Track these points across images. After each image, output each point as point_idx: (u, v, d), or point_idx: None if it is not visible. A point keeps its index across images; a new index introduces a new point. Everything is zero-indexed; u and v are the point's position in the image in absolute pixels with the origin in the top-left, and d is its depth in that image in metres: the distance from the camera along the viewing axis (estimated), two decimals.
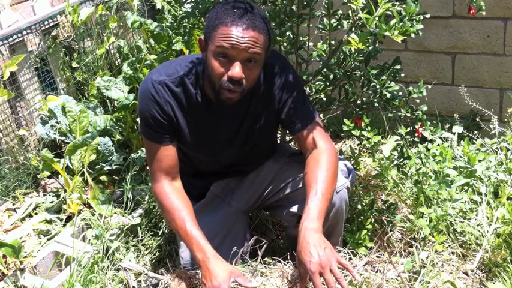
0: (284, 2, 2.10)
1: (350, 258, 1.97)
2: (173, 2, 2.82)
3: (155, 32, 3.04)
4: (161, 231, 2.44)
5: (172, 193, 1.84)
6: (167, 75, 1.83)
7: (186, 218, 1.78)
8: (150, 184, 2.52)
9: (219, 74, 1.68)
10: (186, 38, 2.49)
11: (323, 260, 1.56)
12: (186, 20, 2.30)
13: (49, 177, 2.91)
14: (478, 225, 2.11)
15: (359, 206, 2.27)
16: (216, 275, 1.63)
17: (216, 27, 1.66)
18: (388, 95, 2.05)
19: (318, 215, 1.66)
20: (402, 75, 2.13)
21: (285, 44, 2.23)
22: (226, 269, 1.65)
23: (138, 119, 2.83)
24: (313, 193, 1.70)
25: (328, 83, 2.22)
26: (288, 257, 1.89)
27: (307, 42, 2.29)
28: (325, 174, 1.75)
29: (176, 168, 1.89)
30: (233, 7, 1.67)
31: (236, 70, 1.65)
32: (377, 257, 2.08)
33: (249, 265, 1.85)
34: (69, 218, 2.63)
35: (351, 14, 1.97)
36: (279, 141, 2.30)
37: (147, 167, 2.76)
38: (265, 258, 1.98)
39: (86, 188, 2.75)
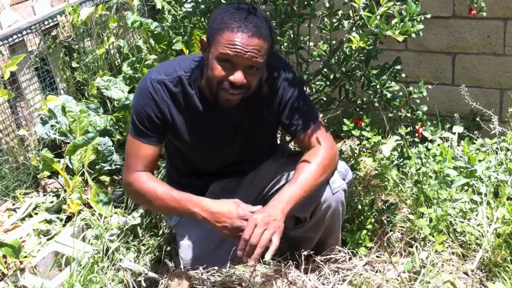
0: (285, 1, 2.10)
1: (350, 258, 1.97)
2: (173, 2, 2.82)
3: (155, 32, 3.04)
4: (161, 231, 2.44)
5: (148, 178, 1.85)
6: (166, 74, 1.84)
7: (169, 188, 1.80)
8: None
9: (220, 77, 1.70)
10: (186, 38, 2.49)
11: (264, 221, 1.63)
12: (187, 19, 2.30)
13: (49, 177, 2.90)
14: (478, 225, 2.11)
15: (359, 206, 2.27)
16: (228, 212, 1.68)
17: (221, 31, 1.66)
18: (389, 95, 2.05)
19: (288, 198, 1.70)
20: (403, 75, 2.13)
21: (285, 43, 2.23)
22: (229, 202, 1.72)
23: None
24: (293, 180, 1.75)
25: (328, 83, 2.22)
26: (288, 257, 1.89)
27: (307, 42, 2.29)
28: (313, 167, 1.77)
29: (154, 167, 1.92)
30: (238, 9, 1.67)
31: (238, 76, 1.68)
32: (377, 257, 2.08)
33: (248, 265, 1.85)
34: (69, 218, 2.63)
35: (351, 14, 1.97)
36: (278, 141, 2.30)
37: None
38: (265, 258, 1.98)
39: (86, 188, 2.75)
